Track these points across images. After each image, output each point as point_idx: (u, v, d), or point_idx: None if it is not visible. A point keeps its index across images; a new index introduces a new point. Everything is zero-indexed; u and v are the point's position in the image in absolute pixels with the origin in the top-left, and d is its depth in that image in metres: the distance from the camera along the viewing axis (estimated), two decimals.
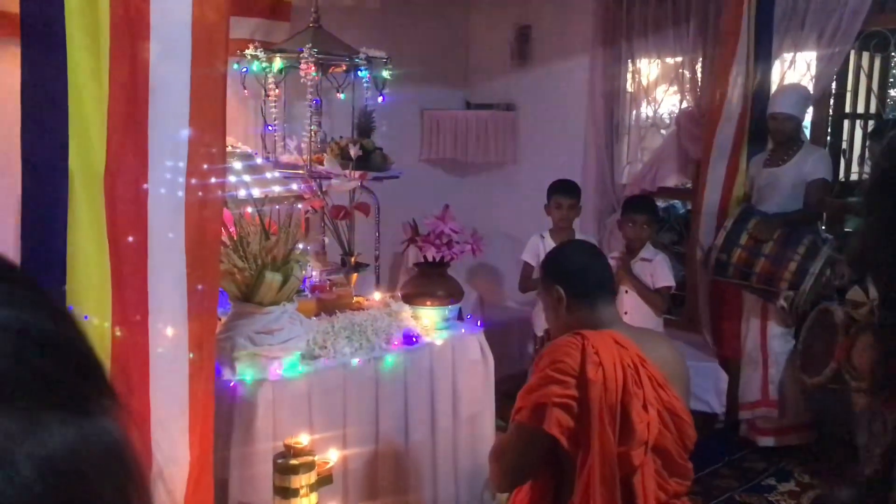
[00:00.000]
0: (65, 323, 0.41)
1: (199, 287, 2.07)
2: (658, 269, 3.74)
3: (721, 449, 4.19)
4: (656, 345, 2.11)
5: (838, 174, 4.45)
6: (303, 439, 2.16)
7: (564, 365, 1.89)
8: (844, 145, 4.69)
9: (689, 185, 4.94)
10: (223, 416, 2.41)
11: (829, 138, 4.63)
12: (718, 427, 4.40)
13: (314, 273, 3.26)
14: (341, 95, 3.74)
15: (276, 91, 3.54)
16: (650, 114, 5.15)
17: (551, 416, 1.85)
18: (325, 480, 2.17)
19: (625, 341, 1.96)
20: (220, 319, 2.57)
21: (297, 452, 2.11)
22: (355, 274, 3.39)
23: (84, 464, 0.38)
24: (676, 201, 5.64)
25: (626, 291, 3.75)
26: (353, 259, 3.39)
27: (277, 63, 3.44)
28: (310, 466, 2.10)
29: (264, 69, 3.47)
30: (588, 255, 2.21)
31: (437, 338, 3.10)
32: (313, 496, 2.11)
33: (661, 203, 5.32)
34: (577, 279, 2.09)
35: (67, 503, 0.36)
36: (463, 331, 3.23)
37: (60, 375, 0.39)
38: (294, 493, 2.07)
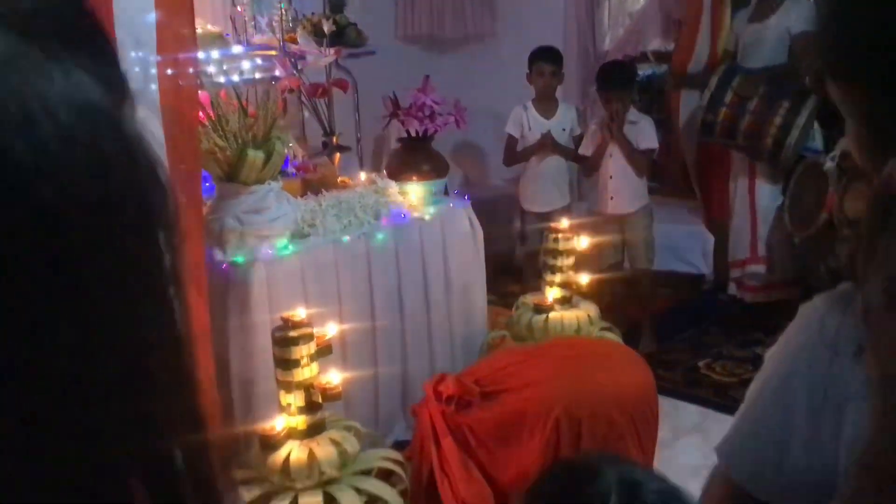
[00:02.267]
0: None
1: (182, 167, 2.04)
2: (643, 131, 3.71)
3: (709, 308, 4.30)
4: None
5: None
6: (300, 312, 2.18)
7: None
8: None
9: (671, 50, 4.84)
10: (218, 298, 2.43)
11: None
12: (706, 288, 4.50)
13: (297, 155, 3.22)
14: None
15: None
16: None
17: None
18: (324, 351, 2.20)
19: None
20: (206, 204, 2.56)
21: (296, 325, 2.13)
22: (338, 154, 3.36)
23: (120, 122, 0.33)
24: (659, 67, 5.53)
25: (611, 155, 3.73)
26: (334, 138, 3.34)
27: None
28: (309, 337, 2.13)
29: None
30: None
31: (426, 213, 3.10)
32: (314, 366, 2.15)
33: (643, 71, 5.22)
34: None
35: (108, 158, 0.31)
36: (451, 205, 3.23)
37: (78, 20, 0.33)
38: (295, 363, 2.10)
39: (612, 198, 3.79)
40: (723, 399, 3.39)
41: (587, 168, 3.95)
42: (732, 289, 4.28)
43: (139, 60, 2.09)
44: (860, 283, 0.60)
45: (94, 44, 0.34)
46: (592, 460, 1.03)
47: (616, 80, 3.76)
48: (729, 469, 0.85)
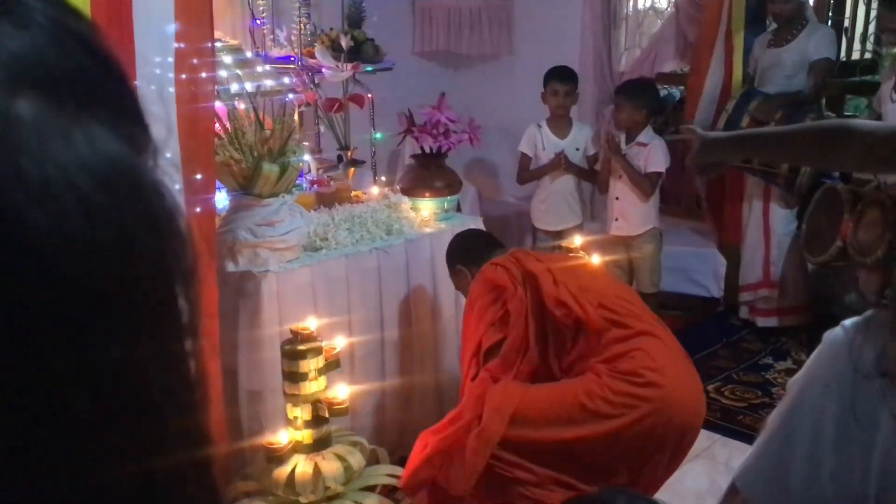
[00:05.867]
0: (100, 34, 0.34)
1: (198, 177, 2.05)
2: (652, 154, 3.70)
3: (719, 331, 4.26)
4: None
5: (840, 53, 4.36)
6: (310, 324, 2.19)
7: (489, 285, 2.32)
8: (847, 23, 4.58)
9: (686, 70, 4.85)
10: (228, 308, 2.44)
11: (830, 16, 4.52)
12: (717, 311, 4.47)
13: (312, 168, 3.24)
14: None
15: None
16: (648, 3, 5.04)
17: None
18: (332, 365, 2.21)
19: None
20: (219, 216, 2.58)
21: (305, 338, 2.14)
22: (353, 168, 3.37)
23: (141, 181, 0.32)
24: (674, 89, 5.54)
25: (620, 176, 3.73)
26: (349, 153, 3.36)
27: None
28: (317, 351, 2.13)
29: None
30: (470, 233, 2.79)
31: (437, 229, 3.10)
32: (322, 380, 2.15)
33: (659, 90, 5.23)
34: (470, 253, 2.58)
35: (127, 226, 0.31)
36: (462, 221, 3.24)
37: (105, 80, 0.33)
38: (303, 377, 2.11)
39: (616, 219, 3.80)
40: (731, 424, 3.37)
41: (599, 185, 3.97)
42: (744, 312, 4.27)
43: (157, 70, 2.11)
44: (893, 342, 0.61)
45: (119, 101, 0.34)
46: (603, 495, 1.02)
47: (632, 90, 3.77)
48: (751, 501, 0.84)
